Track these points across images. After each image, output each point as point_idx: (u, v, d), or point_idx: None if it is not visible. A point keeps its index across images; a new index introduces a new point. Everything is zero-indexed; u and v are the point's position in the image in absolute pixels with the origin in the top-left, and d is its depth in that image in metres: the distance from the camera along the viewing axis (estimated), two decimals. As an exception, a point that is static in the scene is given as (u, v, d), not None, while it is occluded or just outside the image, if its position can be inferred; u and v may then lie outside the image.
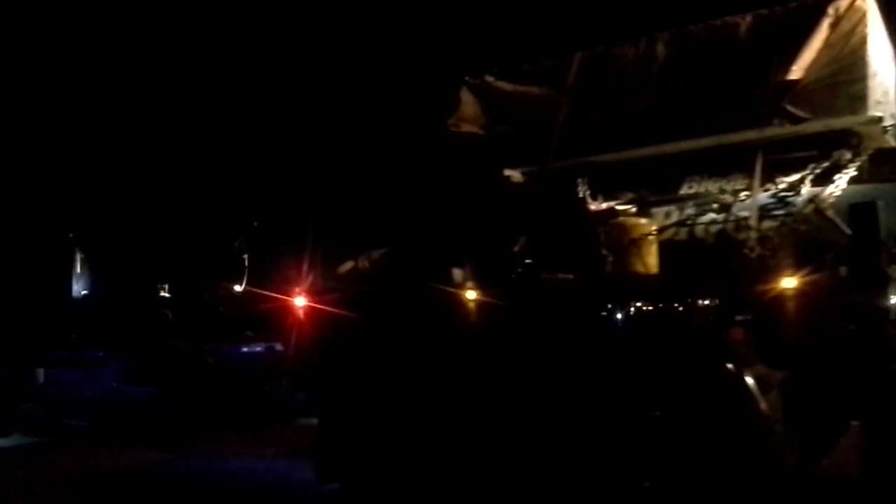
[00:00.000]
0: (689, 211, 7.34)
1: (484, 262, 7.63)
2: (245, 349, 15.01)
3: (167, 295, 16.58)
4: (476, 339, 7.29)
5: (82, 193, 18.38)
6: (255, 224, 18.78)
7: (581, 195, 7.83)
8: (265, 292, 9.01)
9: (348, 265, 8.53)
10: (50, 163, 18.50)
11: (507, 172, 8.27)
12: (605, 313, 6.78)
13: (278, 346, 14.63)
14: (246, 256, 17.87)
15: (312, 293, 8.60)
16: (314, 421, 15.27)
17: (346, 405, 8.32)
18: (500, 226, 7.81)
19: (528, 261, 7.41)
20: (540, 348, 6.93)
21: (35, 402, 13.82)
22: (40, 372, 14.12)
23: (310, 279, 8.85)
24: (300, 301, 8.65)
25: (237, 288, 17.95)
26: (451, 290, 7.49)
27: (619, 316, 6.73)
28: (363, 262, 8.47)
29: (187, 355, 14.54)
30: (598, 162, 7.83)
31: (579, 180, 7.89)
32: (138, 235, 17.94)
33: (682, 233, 7.32)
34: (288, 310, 8.80)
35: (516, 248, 7.67)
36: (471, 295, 7.46)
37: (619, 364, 6.69)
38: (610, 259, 6.99)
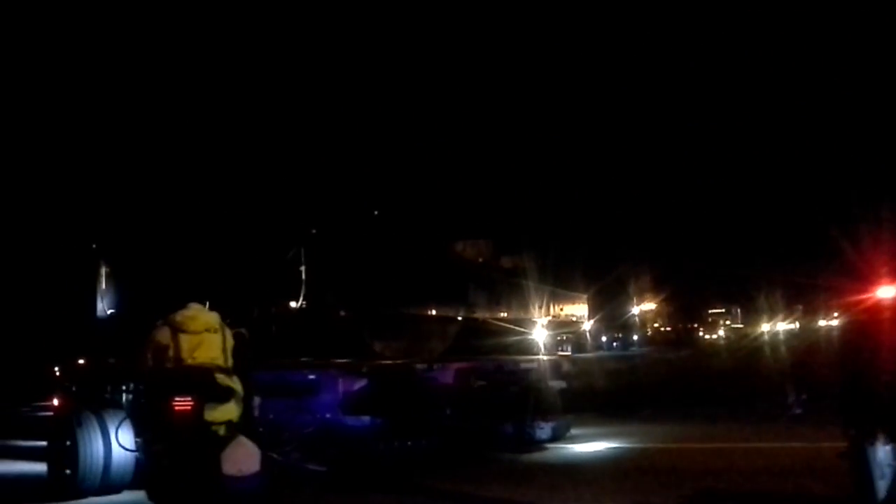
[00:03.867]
0: None
1: None
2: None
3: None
4: None
5: (106, 197, 15.65)
6: (314, 231, 16.40)
7: None
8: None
9: None
10: (69, 161, 15.71)
11: None
12: None
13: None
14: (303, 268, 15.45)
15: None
16: (523, 456, 12.60)
17: None
18: None
19: None
20: None
21: (254, 439, 10.84)
22: (256, 401, 11.13)
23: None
24: (888, 292, 5.82)
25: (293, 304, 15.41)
26: None
27: None
28: None
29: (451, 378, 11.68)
30: None
31: None
32: (175, 243, 15.30)
33: None
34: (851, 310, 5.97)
35: None
36: None
37: None
38: None
